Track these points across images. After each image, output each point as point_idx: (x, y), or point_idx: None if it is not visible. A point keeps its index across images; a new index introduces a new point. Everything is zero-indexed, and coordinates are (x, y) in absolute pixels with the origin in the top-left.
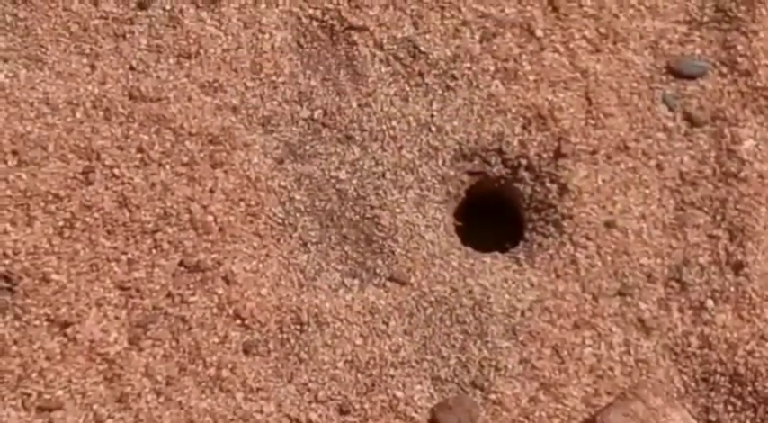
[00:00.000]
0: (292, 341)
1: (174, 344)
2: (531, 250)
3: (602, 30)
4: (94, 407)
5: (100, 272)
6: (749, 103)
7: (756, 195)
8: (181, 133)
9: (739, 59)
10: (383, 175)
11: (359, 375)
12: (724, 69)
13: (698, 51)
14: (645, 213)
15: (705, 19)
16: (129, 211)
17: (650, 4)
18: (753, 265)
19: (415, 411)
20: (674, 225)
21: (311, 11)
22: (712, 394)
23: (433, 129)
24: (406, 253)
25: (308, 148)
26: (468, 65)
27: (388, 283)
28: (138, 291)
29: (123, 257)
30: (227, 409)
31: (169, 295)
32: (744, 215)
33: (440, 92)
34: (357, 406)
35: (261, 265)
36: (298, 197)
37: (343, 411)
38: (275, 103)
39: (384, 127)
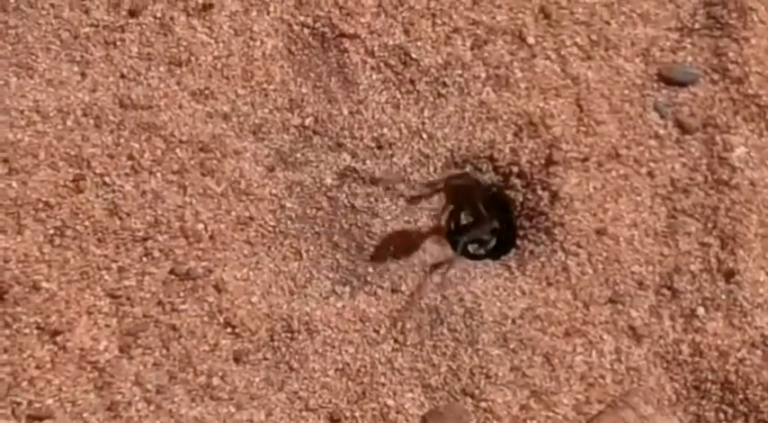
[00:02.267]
0: (283, 349)
1: (164, 352)
2: (522, 258)
3: (594, 37)
4: (85, 415)
5: (90, 280)
6: (741, 111)
7: (748, 203)
8: (171, 141)
9: (731, 67)
10: (374, 183)
11: (350, 383)
12: (715, 76)
13: (689, 58)
14: (636, 221)
15: (696, 26)
16: (120, 218)
17: (642, 11)
18: (744, 272)
19: (406, 419)
20: (665, 232)
21: (302, 18)
22: (703, 402)
23: (425, 136)
24: (398, 261)
25: (299, 155)
26: (460, 72)
27: (379, 291)
28: (128, 299)
29: (114, 265)
30: (217, 418)
31: (160, 303)
32: (735, 223)
33: (431, 99)
34: (348, 414)
35: (252, 273)
36: (289, 205)
37: (333, 420)
38: (266, 110)
39: (375, 134)
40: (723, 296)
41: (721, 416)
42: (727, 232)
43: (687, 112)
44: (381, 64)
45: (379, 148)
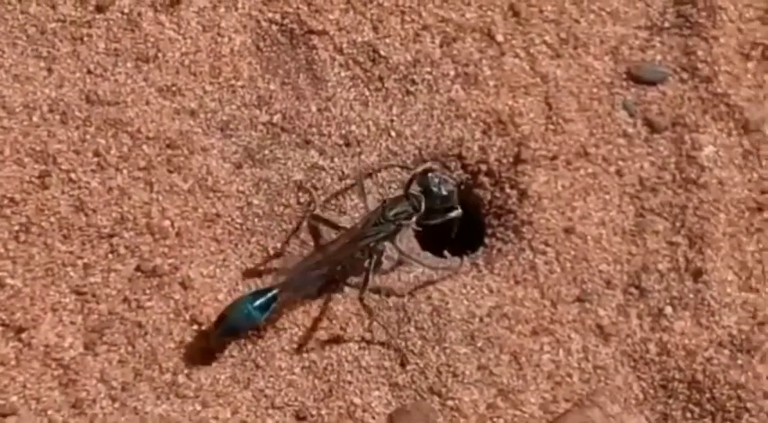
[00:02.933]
0: (249, 347)
1: (129, 349)
2: (490, 256)
3: (563, 35)
4: (49, 412)
5: (56, 276)
6: (709, 110)
7: (716, 202)
8: (138, 137)
9: (700, 65)
10: (342, 180)
11: (316, 381)
12: (684, 75)
13: (658, 57)
14: (604, 219)
15: (666, 25)
16: (86, 215)
17: (611, 9)
18: (712, 272)
19: (373, 417)
20: (633, 231)
21: (271, 14)
22: (670, 401)
23: (393, 133)
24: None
25: (266, 152)
26: (429, 69)
27: (347, 289)
28: (94, 296)
29: (79, 262)
30: (182, 415)
31: (125, 300)
32: (703, 222)
33: (400, 96)
34: (314, 412)
35: (218, 271)
36: (256, 202)
37: (300, 417)
38: (234, 107)
39: (343, 131)
40: (691, 295)
41: (688, 415)
42: (696, 231)
43: (656, 111)
44: (350, 61)
45: (347, 145)
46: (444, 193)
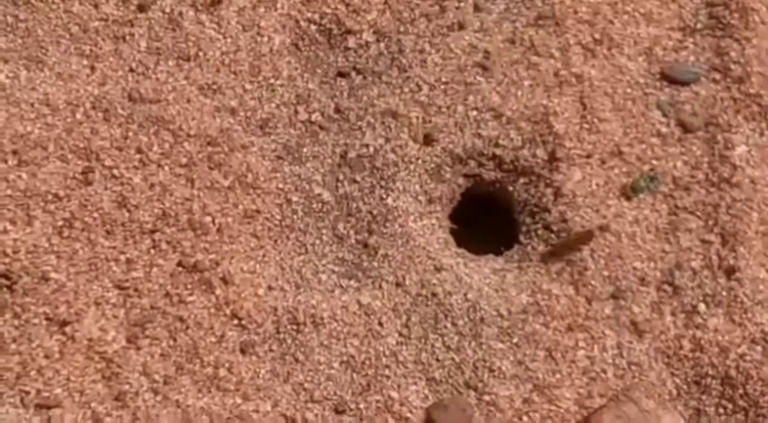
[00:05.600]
0: (289, 341)
1: (171, 343)
2: (525, 253)
3: (597, 35)
4: (92, 405)
5: (99, 271)
6: (742, 110)
7: (748, 200)
8: (179, 134)
9: (732, 66)
10: (381, 178)
11: (354, 375)
12: (717, 76)
13: (691, 58)
14: (638, 217)
15: (699, 26)
16: (128, 211)
17: (645, 10)
18: (744, 269)
19: (410, 412)
20: (666, 229)
21: (309, 14)
22: (704, 397)
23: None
24: (402, 255)
25: (305, 150)
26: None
27: (384, 285)
28: (136, 290)
29: (122, 257)
30: (223, 408)
31: (167, 295)
32: (736, 220)
33: (435, 95)
34: (353, 406)
35: (258, 266)
36: (295, 199)
37: (338, 411)
38: (273, 105)
39: (382, 129)
40: (724, 293)
41: (721, 411)
42: (728, 229)
43: (689, 111)
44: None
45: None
46: None
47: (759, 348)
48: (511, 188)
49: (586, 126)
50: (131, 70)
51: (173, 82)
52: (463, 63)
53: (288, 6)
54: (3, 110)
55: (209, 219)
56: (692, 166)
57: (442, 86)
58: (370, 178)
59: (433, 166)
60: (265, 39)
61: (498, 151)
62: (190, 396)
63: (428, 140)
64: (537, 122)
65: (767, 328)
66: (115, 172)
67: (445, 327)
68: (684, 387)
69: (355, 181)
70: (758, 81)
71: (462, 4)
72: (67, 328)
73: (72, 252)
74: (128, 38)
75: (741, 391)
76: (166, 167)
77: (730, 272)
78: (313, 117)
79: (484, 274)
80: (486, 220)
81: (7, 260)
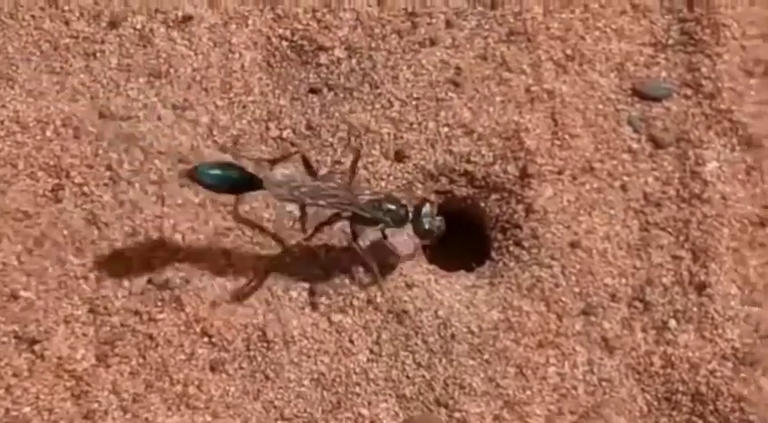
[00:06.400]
0: (259, 359)
1: (141, 361)
2: (496, 270)
3: (569, 51)
4: None
5: (68, 289)
6: (713, 125)
7: (719, 216)
8: (150, 152)
9: (704, 82)
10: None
11: (325, 393)
12: (689, 91)
13: (663, 73)
14: (609, 234)
15: (670, 41)
16: (98, 228)
17: (616, 26)
18: (715, 285)
19: None
20: (638, 245)
21: (281, 31)
22: (674, 413)
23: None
24: (374, 272)
25: (277, 167)
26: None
27: (355, 302)
28: (105, 308)
29: (91, 275)
30: None
31: (137, 313)
32: (707, 236)
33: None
34: None
35: (229, 284)
36: (266, 216)
37: None
38: (244, 121)
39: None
40: (695, 308)
41: None
42: (699, 245)
43: (660, 127)
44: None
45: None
46: (428, 226)
47: (730, 364)
48: (482, 204)
49: (558, 142)
50: (102, 87)
51: (143, 99)
52: (435, 79)
53: (259, 23)
54: None
55: (179, 236)
56: (664, 181)
57: (414, 102)
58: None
59: (404, 182)
60: (236, 55)
61: (470, 167)
62: (159, 414)
63: (399, 157)
64: (508, 138)
65: (738, 343)
66: (85, 189)
67: (416, 344)
68: (655, 403)
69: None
70: (729, 97)
71: (434, 21)
72: (36, 347)
73: (42, 270)
74: (98, 55)
75: (711, 407)
76: (137, 185)
77: (701, 288)
78: (284, 134)
79: (455, 290)
80: (457, 236)
81: None
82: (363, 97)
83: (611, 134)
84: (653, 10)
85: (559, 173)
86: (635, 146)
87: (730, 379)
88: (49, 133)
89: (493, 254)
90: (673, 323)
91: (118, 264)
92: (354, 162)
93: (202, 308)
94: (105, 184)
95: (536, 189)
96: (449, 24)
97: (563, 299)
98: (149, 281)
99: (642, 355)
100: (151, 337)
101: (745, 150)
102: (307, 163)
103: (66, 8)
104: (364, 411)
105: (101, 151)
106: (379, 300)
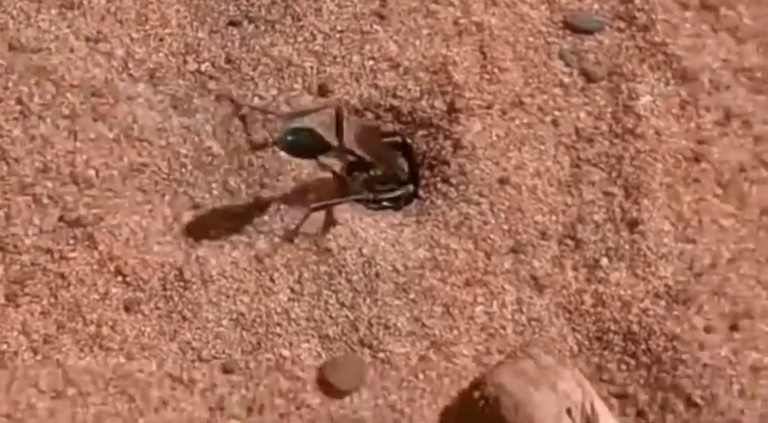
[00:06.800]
0: (176, 299)
1: (52, 301)
2: (423, 207)
3: None
4: None
5: None
6: (647, 59)
7: (653, 152)
8: (62, 85)
9: (637, 14)
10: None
11: (244, 334)
12: (621, 24)
13: (595, 6)
14: (540, 170)
15: None
16: (8, 164)
17: None
18: (648, 222)
19: (302, 370)
20: (569, 182)
21: None
22: (605, 353)
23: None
24: (296, 209)
25: (194, 101)
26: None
27: (276, 240)
28: (15, 246)
29: (1, 212)
30: (106, 368)
31: (48, 251)
32: (640, 172)
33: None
34: (242, 365)
35: (144, 221)
36: (183, 152)
37: (227, 370)
38: (161, 55)
39: (275, 79)
40: (627, 246)
41: (623, 366)
42: (632, 182)
43: (592, 60)
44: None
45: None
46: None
47: (662, 303)
48: (409, 140)
49: (486, 76)
50: (12, 18)
51: (55, 31)
52: (359, 11)
53: None
54: None
55: (92, 172)
56: (596, 116)
57: (338, 35)
58: (262, 130)
59: (327, 117)
60: None
61: (396, 102)
62: (71, 355)
63: (323, 91)
64: (435, 72)
65: (671, 281)
66: None
67: (339, 283)
68: (586, 343)
69: (247, 133)
70: (663, 29)
71: None
72: None
73: None
74: None
75: (644, 346)
76: (48, 119)
77: (633, 225)
78: (203, 67)
79: (380, 228)
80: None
81: None
82: (285, 30)
83: (541, 68)
84: None
85: (488, 107)
86: (566, 80)
87: (663, 317)
88: None
89: (420, 191)
90: (604, 261)
91: (28, 200)
92: (339, 122)
93: (116, 246)
94: (15, 119)
95: (464, 124)
96: None
97: (491, 236)
98: (61, 218)
99: (573, 293)
100: (63, 276)
101: (679, 84)
102: (339, 120)
103: None
104: (285, 352)
105: (10, 84)
106: (300, 238)
